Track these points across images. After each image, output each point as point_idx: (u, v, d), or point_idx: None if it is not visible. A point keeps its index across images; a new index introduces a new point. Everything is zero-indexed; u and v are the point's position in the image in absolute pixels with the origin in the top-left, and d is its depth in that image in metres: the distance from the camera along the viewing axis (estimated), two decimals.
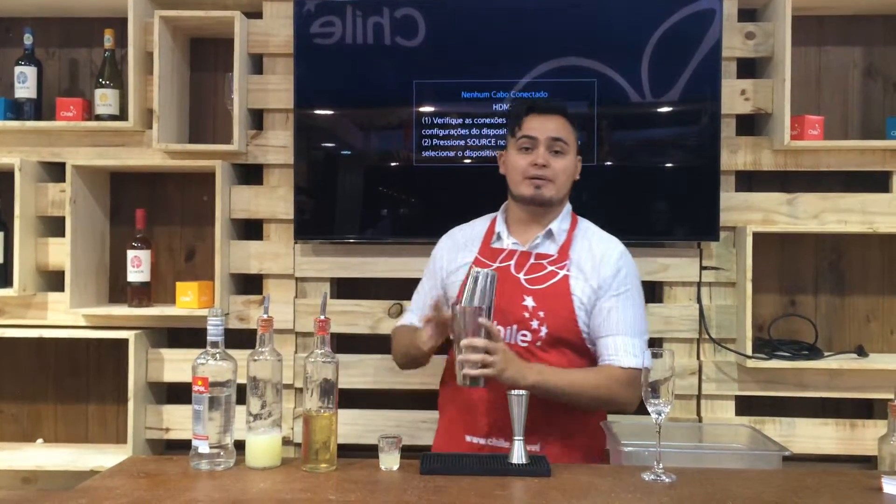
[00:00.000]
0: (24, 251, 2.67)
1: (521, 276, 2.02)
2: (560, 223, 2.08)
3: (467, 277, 1.87)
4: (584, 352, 2.03)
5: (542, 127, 2.05)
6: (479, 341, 1.80)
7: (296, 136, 2.68)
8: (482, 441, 1.99)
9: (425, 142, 2.62)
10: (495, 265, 2.04)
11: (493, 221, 2.16)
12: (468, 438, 2.00)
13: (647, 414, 1.66)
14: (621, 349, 1.97)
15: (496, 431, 1.96)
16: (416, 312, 2.19)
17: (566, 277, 2.01)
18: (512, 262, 2.05)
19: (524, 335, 1.98)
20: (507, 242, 2.09)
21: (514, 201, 2.10)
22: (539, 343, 1.98)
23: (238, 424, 1.68)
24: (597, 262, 2.04)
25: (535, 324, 1.97)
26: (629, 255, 2.09)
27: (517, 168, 2.06)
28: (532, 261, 2.05)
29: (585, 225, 2.14)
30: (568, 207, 2.13)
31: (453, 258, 2.14)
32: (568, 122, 2.09)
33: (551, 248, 2.07)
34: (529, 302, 1.98)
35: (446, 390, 2.14)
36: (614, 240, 2.12)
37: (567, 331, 1.99)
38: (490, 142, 2.62)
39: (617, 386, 1.95)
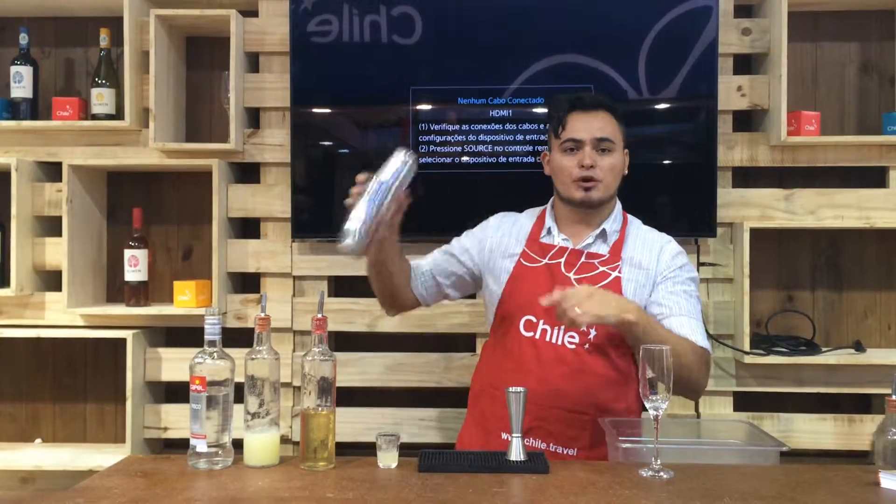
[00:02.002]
0: (21, 251, 2.67)
1: (572, 275, 1.96)
2: (612, 223, 2.03)
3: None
4: (626, 357, 1.97)
5: (587, 127, 1.97)
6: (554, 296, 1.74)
7: (292, 135, 2.67)
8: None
9: (422, 148, 2.62)
10: (544, 261, 1.99)
11: (542, 215, 2.10)
12: (505, 436, 1.91)
13: (645, 409, 1.66)
14: (694, 330, 1.90)
15: (538, 432, 1.92)
16: (423, 260, 2.14)
17: (618, 279, 1.97)
18: (562, 261, 1.99)
19: (572, 337, 1.93)
20: (558, 239, 2.03)
21: (563, 202, 2.05)
22: (587, 346, 1.93)
23: (236, 423, 1.68)
24: (655, 254, 1.99)
25: (584, 325, 1.90)
26: (685, 254, 2.04)
27: (564, 170, 1.99)
28: (583, 260, 1.99)
29: (637, 223, 2.10)
30: (619, 206, 2.08)
31: (505, 243, 2.07)
32: (613, 117, 2.00)
33: (603, 248, 2.02)
34: None
35: (482, 382, 2.07)
36: (668, 236, 2.07)
37: (616, 334, 1.92)
38: (487, 147, 2.62)
39: (697, 361, 1.85)
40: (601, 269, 1.98)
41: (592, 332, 1.93)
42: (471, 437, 2.06)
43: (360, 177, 1.84)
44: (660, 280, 1.97)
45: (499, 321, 2.04)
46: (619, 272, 1.98)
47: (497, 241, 2.08)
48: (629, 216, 2.10)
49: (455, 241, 2.17)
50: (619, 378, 1.97)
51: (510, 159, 2.61)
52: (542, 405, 1.90)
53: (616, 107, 2.04)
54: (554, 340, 1.94)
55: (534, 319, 1.96)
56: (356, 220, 1.80)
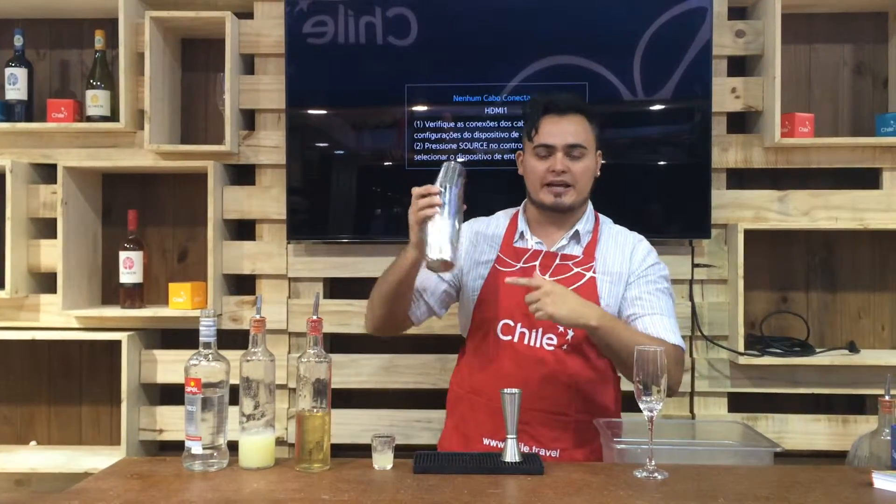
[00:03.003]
0: (16, 253, 2.66)
1: (548, 277, 1.97)
2: (585, 224, 2.05)
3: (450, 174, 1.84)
4: (604, 356, 1.98)
5: (560, 132, 1.97)
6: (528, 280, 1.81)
7: (288, 137, 2.68)
8: (502, 444, 1.93)
9: (417, 145, 2.62)
10: (519, 265, 2.00)
11: (514, 219, 2.10)
12: (486, 441, 1.96)
13: (639, 411, 1.67)
14: (667, 329, 1.92)
15: (521, 436, 1.88)
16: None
17: (593, 280, 1.98)
18: (537, 264, 2.00)
19: (550, 339, 1.94)
20: (532, 242, 2.04)
21: (534, 205, 2.06)
22: (565, 347, 1.94)
23: (231, 425, 1.68)
24: (626, 254, 2.02)
25: (561, 327, 1.93)
26: (655, 252, 2.06)
27: (535, 174, 2.00)
28: (558, 262, 2.00)
29: (608, 223, 2.11)
30: (590, 206, 2.09)
31: (479, 250, 2.07)
32: (587, 120, 2.01)
33: (576, 250, 2.03)
34: None
35: (461, 388, 2.06)
36: (640, 235, 2.09)
37: None
38: (482, 145, 2.62)
39: (671, 361, 1.83)
40: (576, 270, 1.99)
41: (570, 333, 1.94)
42: (451, 443, 2.07)
43: (419, 189, 1.81)
44: (632, 279, 1.99)
45: (475, 327, 2.03)
46: (594, 272, 1.99)
47: (471, 248, 2.08)
48: (600, 216, 2.12)
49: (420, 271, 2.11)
50: (598, 378, 1.99)
51: (505, 157, 2.61)
52: (524, 408, 1.90)
53: (589, 109, 2.05)
54: (532, 343, 1.95)
55: (511, 323, 1.97)
56: (441, 234, 1.79)
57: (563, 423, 1.95)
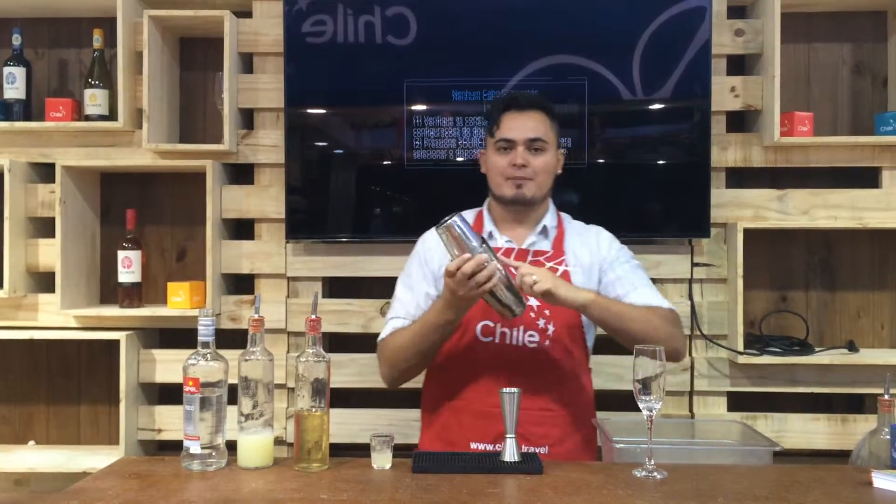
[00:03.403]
0: (14, 252, 2.66)
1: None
2: (550, 219, 2.08)
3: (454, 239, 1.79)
4: (582, 347, 2.03)
5: (521, 126, 2.00)
6: (518, 263, 1.84)
7: (286, 136, 2.67)
8: (490, 446, 1.93)
9: (416, 142, 2.62)
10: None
11: (479, 219, 2.11)
12: (474, 445, 1.95)
13: (639, 410, 1.67)
14: (655, 297, 1.99)
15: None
16: (406, 318, 2.03)
17: (566, 273, 2.00)
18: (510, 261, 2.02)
19: (531, 335, 1.96)
20: (501, 241, 2.06)
21: (497, 201, 2.08)
22: (547, 342, 1.96)
23: (230, 424, 1.68)
24: (592, 246, 2.07)
25: (541, 322, 1.95)
26: (617, 240, 2.13)
27: (496, 168, 2.02)
28: (530, 258, 2.02)
29: (568, 218, 2.16)
30: (552, 203, 2.12)
31: (448, 257, 2.07)
32: (547, 116, 2.04)
33: (546, 245, 2.06)
34: (533, 301, 1.95)
35: (440, 396, 2.05)
36: (599, 227, 2.15)
37: (573, 326, 1.99)
38: (481, 142, 2.61)
39: (667, 323, 1.93)
40: (548, 265, 2.01)
41: (550, 328, 1.95)
42: (431, 444, 2.06)
43: (468, 267, 1.75)
44: (605, 266, 2.04)
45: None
46: (566, 266, 2.02)
47: (441, 255, 2.01)
48: (562, 213, 2.15)
49: (401, 294, 2.08)
50: (579, 370, 2.03)
51: None
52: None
53: (551, 106, 2.07)
54: (515, 342, 1.96)
55: (491, 324, 1.97)
56: (511, 290, 1.81)
57: (550, 419, 1.95)
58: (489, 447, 1.93)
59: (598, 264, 2.04)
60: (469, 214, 2.13)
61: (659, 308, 1.97)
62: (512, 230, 2.07)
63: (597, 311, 1.87)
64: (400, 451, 1.71)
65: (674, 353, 1.95)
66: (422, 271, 2.07)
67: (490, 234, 2.08)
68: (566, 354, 1.99)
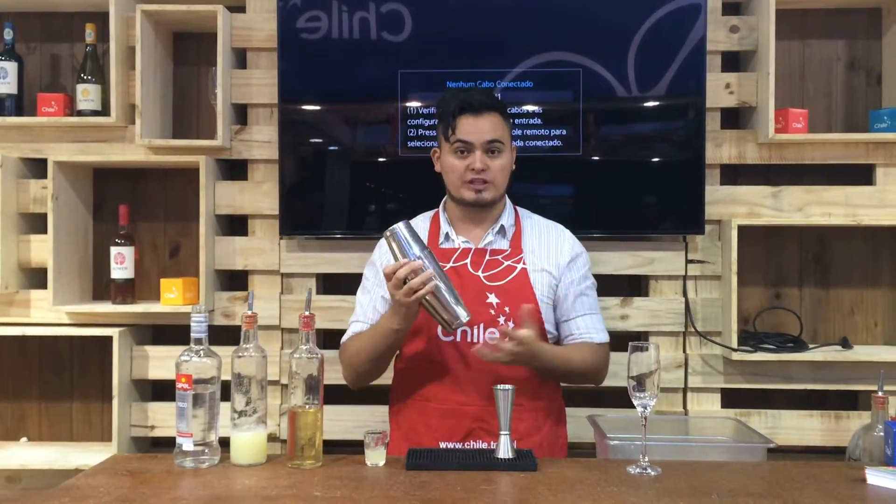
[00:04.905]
0: (6, 248, 2.64)
1: (481, 273, 2.00)
2: (507, 217, 2.08)
3: (396, 246, 1.83)
4: (547, 342, 2.03)
5: (478, 129, 1.98)
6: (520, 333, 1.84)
7: (280, 132, 2.66)
8: (459, 444, 1.94)
9: (411, 132, 2.61)
10: (450, 265, 2.00)
11: (435, 220, 2.11)
12: (443, 444, 1.95)
13: (633, 407, 1.67)
14: (592, 327, 2.06)
15: (478, 432, 1.95)
16: (365, 322, 2.06)
17: (524, 271, 2.02)
18: (468, 262, 2.02)
19: (492, 332, 1.96)
20: (458, 241, 2.05)
21: (455, 202, 2.07)
22: (507, 338, 1.95)
23: (223, 421, 1.67)
24: (552, 251, 2.07)
25: (501, 320, 1.96)
26: (577, 239, 2.13)
27: (455, 171, 2.01)
28: (488, 258, 2.03)
29: (527, 214, 2.15)
30: (508, 201, 2.12)
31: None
32: (501, 116, 2.03)
33: (503, 244, 2.06)
34: (493, 299, 1.97)
35: (406, 397, 2.05)
36: (560, 226, 2.14)
37: (532, 323, 1.97)
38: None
39: (597, 359, 2.05)
40: (506, 263, 2.02)
41: (511, 323, 1.95)
42: (401, 452, 2.04)
43: (401, 272, 1.79)
44: (562, 280, 2.05)
45: (413, 332, 1.98)
46: (524, 264, 2.02)
47: (390, 260, 2.00)
48: (518, 208, 2.14)
49: (362, 298, 2.10)
50: None
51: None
52: (480, 406, 1.94)
53: (503, 105, 2.07)
54: (476, 340, 1.96)
55: None
56: (450, 298, 1.83)
57: (517, 413, 1.92)
58: (458, 446, 1.94)
59: (556, 268, 2.05)
60: (423, 219, 2.14)
61: (590, 345, 2.04)
62: (469, 231, 2.07)
63: (539, 369, 1.95)
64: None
65: (592, 382, 2.10)
66: (378, 277, 2.06)
67: (447, 236, 2.07)
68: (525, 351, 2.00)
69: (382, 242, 2.09)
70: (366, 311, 2.08)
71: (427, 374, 1.99)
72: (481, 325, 1.96)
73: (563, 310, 2.05)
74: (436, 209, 2.15)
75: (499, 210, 2.08)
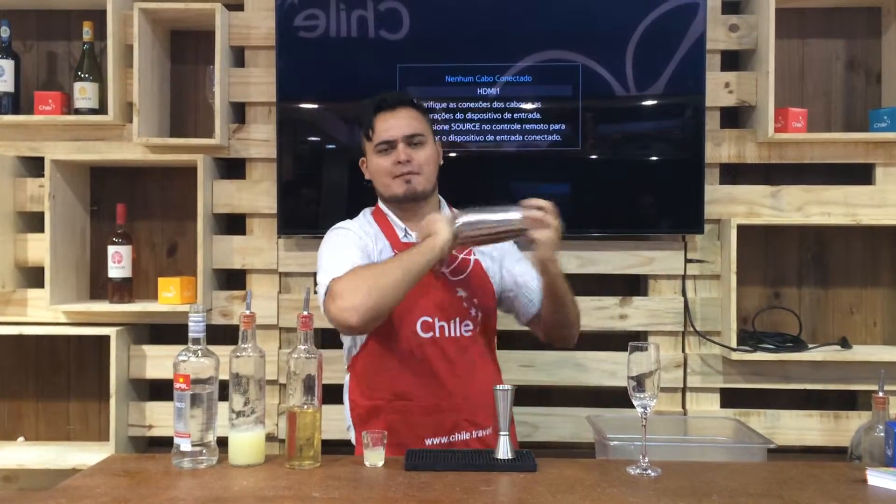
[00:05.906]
0: (3, 247, 2.63)
1: (445, 269, 1.99)
2: (444, 212, 2.04)
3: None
4: (495, 331, 2.09)
5: (396, 125, 1.99)
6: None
7: (278, 130, 2.65)
8: (444, 439, 1.93)
9: None
10: None
11: (384, 221, 2.04)
12: (429, 441, 1.92)
13: (633, 407, 1.66)
14: None
15: (462, 425, 1.94)
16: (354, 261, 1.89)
17: (478, 262, 2.04)
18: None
19: (467, 326, 1.97)
20: (416, 237, 1.96)
21: (389, 203, 2.05)
22: (478, 329, 2.00)
23: (221, 421, 1.66)
24: None
25: (473, 312, 1.98)
26: None
27: (382, 170, 2.00)
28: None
29: (451, 208, 2.11)
30: (441, 197, 2.10)
31: (380, 248, 1.99)
32: (418, 112, 2.03)
33: None
34: (462, 292, 1.99)
35: (379, 399, 1.96)
36: None
37: (491, 311, 2.04)
38: (474, 126, 2.61)
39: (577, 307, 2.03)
40: (461, 257, 2.02)
41: (480, 317, 1.99)
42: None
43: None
44: (505, 258, 2.07)
45: (385, 330, 1.92)
46: (474, 254, 2.04)
47: (372, 247, 1.99)
48: (442, 199, 2.12)
49: (345, 252, 1.94)
50: (494, 353, 2.10)
51: (498, 138, 2.60)
52: (467, 398, 1.94)
53: (419, 103, 2.08)
54: (453, 334, 1.96)
55: (430, 319, 1.94)
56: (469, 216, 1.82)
57: (491, 404, 1.87)
58: (444, 441, 1.93)
59: (499, 253, 2.07)
60: (367, 222, 2.06)
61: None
62: (415, 228, 2.00)
63: (556, 281, 1.90)
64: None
65: (574, 324, 2.02)
66: (357, 243, 1.97)
67: (406, 232, 2.02)
68: (487, 340, 2.04)
69: (349, 225, 2.04)
70: (354, 260, 1.89)
71: (405, 373, 1.94)
72: (457, 320, 1.96)
73: (515, 273, 2.05)
74: (369, 209, 2.09)
75: (434, 204, 2.06)
